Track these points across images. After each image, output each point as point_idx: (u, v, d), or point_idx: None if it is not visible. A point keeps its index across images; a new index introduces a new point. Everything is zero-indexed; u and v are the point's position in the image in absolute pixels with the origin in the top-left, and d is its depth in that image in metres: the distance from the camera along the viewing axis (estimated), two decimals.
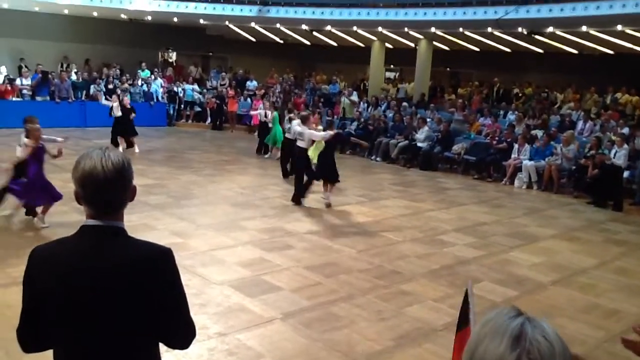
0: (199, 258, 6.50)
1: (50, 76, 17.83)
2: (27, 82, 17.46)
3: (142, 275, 1.70)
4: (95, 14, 19.83)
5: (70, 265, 1.69)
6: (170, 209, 8.65)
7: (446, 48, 21.29)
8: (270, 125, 14.20)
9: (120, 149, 12.57)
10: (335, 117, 17.60)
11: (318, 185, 9.77)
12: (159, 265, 1.74)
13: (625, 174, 11.39)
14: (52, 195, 7.53)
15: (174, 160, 13.15)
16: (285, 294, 5.58)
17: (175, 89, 20.27)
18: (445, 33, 18.58)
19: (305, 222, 8.41)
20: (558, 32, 16.45)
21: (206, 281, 5.79)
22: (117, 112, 13.65)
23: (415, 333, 4.91)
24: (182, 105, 20.38)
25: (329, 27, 19.62)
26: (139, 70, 20.30)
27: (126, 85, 19.15)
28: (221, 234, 7.54)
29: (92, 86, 18.32)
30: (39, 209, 7.59)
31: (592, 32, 15.77)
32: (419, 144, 14.37)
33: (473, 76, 22.66)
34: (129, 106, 13.88)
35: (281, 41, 23.64)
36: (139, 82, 19.62)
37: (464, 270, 6.64)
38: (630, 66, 16.91)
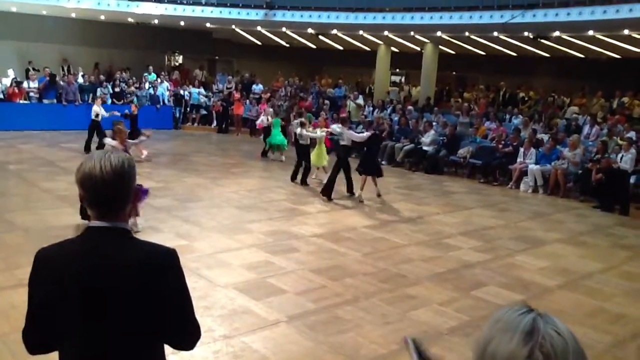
0: (204, 260, 6.51)
1: (57, 79, 17.93)
2: (34, 84, 17.56)
3: (147, 275, 1.71)
4: (102, 17, 19.94)
5: (75, 266, 1.70)
6: (175, 211, 8.67)
7: (452, 52, 21.28)
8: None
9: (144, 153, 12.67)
10: None
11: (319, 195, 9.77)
12: (164, 266, 1.75)
13: (632, 178, 11.34)
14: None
15: (180, 163, 13.19)
16: (290, 297, 5.57)
17: (181, 92, 20.34)
18: (451, 37, 18.58)
19: (310, 225, 8.40)
20: (564, 36, 16.42)
21: (211, 284, 5.79)
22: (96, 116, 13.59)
23: (420, 337, 4.88)
24: (188, 109, 20.46)
25: (334, 31, 19.66)
26: (145, 74, 20.38)
27: (132, 88, 19.24)
28: (226, 236, 7.54)
29: (98, 89, 18.40)
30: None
31: (599, 36, 15.74)
32: (425, 148, 14.35)
33: (479, 80, 22.64)
34: (135, 112, 13.84)
35: (287, 45, 23.69)
36: (146, 86, 19.70)
37: (470, 274, 6.62)
38: (637, 70, 16.89)
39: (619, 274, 7.11)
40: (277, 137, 14.33)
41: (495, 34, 16.85)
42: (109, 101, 18.24)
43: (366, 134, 10.66)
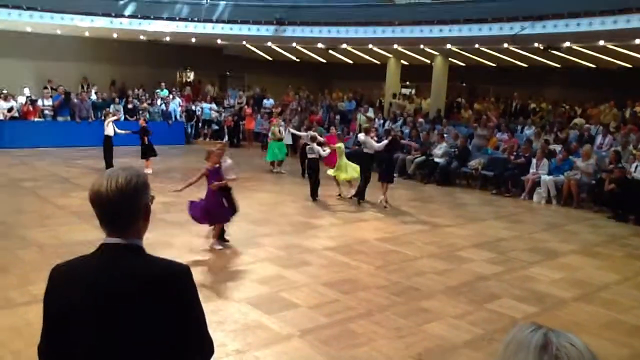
0: (216, 275, 6.53)
1: (72, 97, 18.18)
2: (48, 102, 17.82)
3: (160, 293, 1.71)
4: (115, 35, 20.22)
5: (89, 283, 1.71)
6: (188, 226, 8.69)
7: (462, 64, 21.30)
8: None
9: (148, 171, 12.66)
10: (352, 133, 17.69)
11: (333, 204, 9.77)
12: (177, 283, 1.76)
13: None
14: (211, 217, 7.56)
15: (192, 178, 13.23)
16: (303, 311, 5.56)
17: (193, 107, 20.52)
18: (461, 49, 18.61)
19: (322, 238, 8.40)
20: (575, 47, 16.37)
21: (224, 298, 5.80)
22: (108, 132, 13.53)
23: (435, 350, 4.86)
24: (200, 124, 20.62)
25: (344, 45, 19.77)
26: (157, 90, 20.60)
27: (145, 104, 19.45)
28: (239, 250, 7.56)
29: (111, 105, 18.61)
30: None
31: (610, 46, 15.68)
32: (437, 160, 14.33)
33: (490, 91, 22.61)
34: (144, 125, 13.76)
35: (297, 60, 23.85)
36: (158, 102, 19.90)
37: (484, 287, 6.57)
38: None
39: (635, 285, 7.03)
40: (275, 151, 14.75)
41: (505, 45, 16.84)
42: (122, 117, 18.45)
43: (385, 142, 11.24)
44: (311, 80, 25.54)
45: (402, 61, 21.40)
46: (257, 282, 6.39)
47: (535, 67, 20.04)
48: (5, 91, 17.15)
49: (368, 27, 17.52)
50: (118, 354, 1.71)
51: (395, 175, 14.77)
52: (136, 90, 20.37)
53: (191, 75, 25.31)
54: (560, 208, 11.98)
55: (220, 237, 7.76)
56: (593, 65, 18.61)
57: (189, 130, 20.41)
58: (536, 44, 16.31)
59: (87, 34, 19.93)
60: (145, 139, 13.44)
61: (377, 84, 23.17)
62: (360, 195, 11.28)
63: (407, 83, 24.96)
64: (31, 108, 17.38)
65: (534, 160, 12.82)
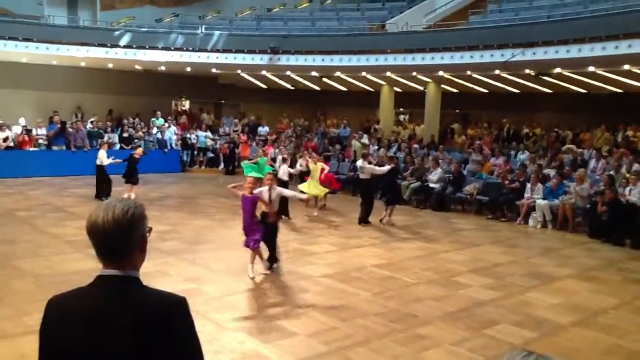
0: (212, 303, 6.47)
1: (67, 126, 18.24)
2: (42, 132, 17.87)
3: (157, 325, 1.70)
4: (110, 65, 20.39)
5: (85, 316, 1.71)
6: (183, 254, 8.67)
7: (455, 90, 21.54)
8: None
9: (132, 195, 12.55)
10: (347, 159, 17.79)
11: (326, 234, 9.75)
12: (174, 315, 1.75)
13: None
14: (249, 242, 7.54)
15: (187, 206, 13.24)
16: (300, 339, 5.51)
17: (188, 135, 20.61)
18: (453, 76, 18.83)
19: (319, 265, 8.37)
20: (565, 73, 16.61)
21: (220, 327, 5.75)
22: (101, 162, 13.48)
23: None
24: (196, 152, 20.70)
25: (338, 73, 19.98)
26: (153, 119, 20.70)
27: (140, 133, 19.51)
28: (235, 278, 7.52)
29: (106, 135, 18.66)
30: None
31: (599, 71, 15.91)
32: (432, 185, 14.38)
33: (482, 117, 22.83)
34: (137, 156, 13.60)
35: (292, 87, 24.07)
36: (154, 130, 19.98)
37: (482, 312, 6.54)
38: (639, 104, 16.97)
39: (633, 309, 7.01)
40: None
41: (497, 72, 17.08)
42: (118, 146, 18.49)
43: (387, 167, 11.84)
44: (306, 108, 25.73)
45: (395, 88, 21.63)
46: (254, 310, 6.34)
47: (527, 92, 20.29)
48: (0, 121, 17.18)
49: (361, 55, 17.75)
50: None
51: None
52: (131, 119, 20.45)
53: (186, 104, 25.46)
54: (555, 232, 12.00)
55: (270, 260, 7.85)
56: (584, 91, 18.85)
57: (185, 158, 20.46)
58: (527, 71, 16.54)
59: (82, 64, 20.10)
60: (132, 165, 13.37)
61: (371, 111, 23.37)
62: (364, 220, 11.64)
63: (401, 109, 25.19)
64: (26, 138, 17.40)
65: (528, 185, 12.88)
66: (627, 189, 11.37)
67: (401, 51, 17.12)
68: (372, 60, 17.61)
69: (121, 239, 1.76)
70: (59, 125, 17.91)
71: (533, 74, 16.76)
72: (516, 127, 19.53)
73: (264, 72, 21.04)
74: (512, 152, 16.52)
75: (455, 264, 8.82)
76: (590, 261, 9.50)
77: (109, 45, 18.60)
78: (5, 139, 16.97)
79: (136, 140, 18.88)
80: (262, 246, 7.77)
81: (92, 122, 19.21)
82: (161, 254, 8.47)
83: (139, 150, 13.92)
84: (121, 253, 1.77)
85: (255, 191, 7.75)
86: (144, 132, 19.80)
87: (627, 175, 12.07)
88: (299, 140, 19.87)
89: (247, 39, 19.33)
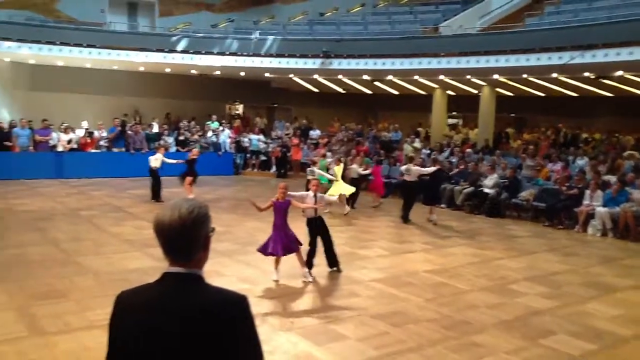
0: (265, 304, 6.57)
1: (126, 129, 18.93)
2: (103, 134, 18.60)
3: (218, 323, 1.75)
4: (168, 70, 21.01)
5: (149, 313, 1.77)
6: (237, 255, 8.84)
7: (510, 94, 21.07)
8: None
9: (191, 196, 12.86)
10: (398, 163, 17.67)
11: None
12: (237, 312, 1.80)
13: None
14: (281, 248, 7.51)
15: (240, 208, 13.45)
16: (351, 343, 5.53)
17: (241, 139, 21.00)
18: (508, 79, 18.43)
19: (370, 269, 8.36)
20: (627, 75, 15.98)
21: (273, 328, 5.83)
22: (154, 164, 13.78)
23: None
24: (249, 155, 21.05)
25: (390, 77, 19.89)
26: (208, 122, 21.20)
27: (196, 136, 20.01)
28: (287, 281, 7.60)
29: (162, 137, 19.23)
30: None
31: None
32: (486, 190, 14.10)
33: (539, 121, 22.24)
34: (194, 157, 13.94)
35: (343, 91, 24.13)
36: (209, 134, 20.46)
37: (538, 322, 6.38)
38: None
39: None
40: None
41: (554, 75, 16.60)
42: (174, 149, 19.02)
43: (432, 168, 12.59)
44: (357, 111, 25.75)
45: (449, 91, 21.34)
46: (306, 312, 6.40)
47: (586, 96, 19.63)
48: (65, 124, 17.98)
49: (413, 58, 17.60)
50: None
51: (443, 205, 14.75)
52: (186, 122, 21.01)
53: (240, 108, 25.91)
54: (616, 241, 11.56)
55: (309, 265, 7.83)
56: None
57: (238, 161, 20.85)
58: (586, 73, 16.00)
59: (141, 68, 20.79)
60: (191, 166, 13.69)
61: (423, 115, 23.15)
62: (405, 218, 12.28)
63: (454, 113, 24.84)
64: (89, 140, 18.14)
65: (587, 192, 12.46)
66: None
67: (455, 54, 16.88)
68: (425, 63, 17.43)
69: (186, 238, 1.82)
70: (119, 128, 18.59)
71: (592, 77, 16.20)
72: (574, 132, 18.93)
73: (316, 76, 21.18)
74: (570, 158, 16.01)
75: (510, 271, 8.63)
76: None
77: (166, 50, 19.18)
78: (69, 141, 17.75)
79: (192, 143, 19.35)
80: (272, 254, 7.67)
81: (153, 124, 19.84)
82: (216, 254, 8.65)
83: (194, 151, 14.25)
84: (186, 252, 1.83)
85: (296, 194, 7.78)
86: (199, 136, 20.29)
87: None
88: (349, 144, 19.89)
89: (300, 44, 19.51)
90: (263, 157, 21.09)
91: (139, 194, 14.63)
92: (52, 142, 17.69)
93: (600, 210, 11.96)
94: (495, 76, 17.73)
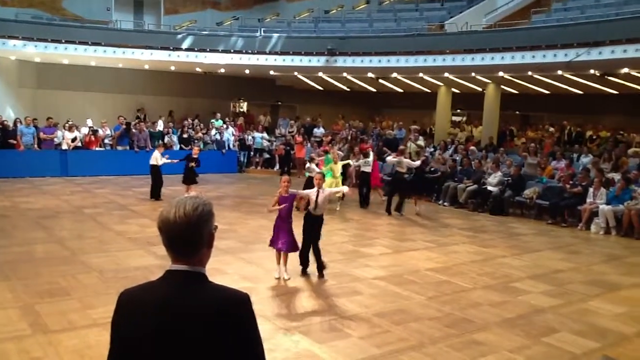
0: (267, 303, 6.59)
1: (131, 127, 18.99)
2: (108, 132, 18.65)
3: (221, 320, 1.77)
4: (172, 68, 21.04)
5: (153, 311, 1.78)
6: (240, 253, 8.85)
7: (515, 91, 21.00)
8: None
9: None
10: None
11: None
12: (239, 310, 1.81)
13: None
14: (282, 244, 7.49)
15: (244, 206, 13.50)
16: (354, 341, 5.53)
17: (245, 137, 21.02)
18: (514, 77, 18.37)
19: (373, 267, 8.36)
20: (633, 73, 15.89)
21: (275, 326, 5.85)
22: (156, 162, 13.65)
23: None
24: (252, 153, 21.08)
25: (394, 74, 19.85)
26: (212, 120, 21.23)
27: (200, 134, 20.04)
28: (290, 279, 7.60)
29: (166, 136, 19.27)
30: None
31: None
32: (490, 188, 14.07)
33: (544, 119, 22.15)
34: (195, 155, 13.60)
35: (348, 89, 24.10)
36: (212, 132, 20.49)
37: (541, 320, 6.37)
38: None
39: None
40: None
41: (560, 72, 16.53)
42: (177, 147, 19.06)
43: (419, 162, 13.68)
44: (361, 109, 25.71)
45: (453, 89, 21.28)
46: (308, 310, 6.41)
47: (591, 93, 19.52)
48: (70, 122, 18.05)
49: (418, 56, 17.54)
50: None
51: (445, 204, 14.75)
52: (190, 120, 21.04)
53: (244, 106, 25.92)
54: (620, 239, 11.52)
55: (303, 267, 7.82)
56: None
57: (242, 158, 20.88)
58: (592, 71, 15.92)
59: (146, 66, 20.83)
60: (191, 165, 13.35)
61: (427, 113, 23.09)
62: (398, 209, 12.94)
63: (459, 110, 24.77)
64: (93, 138, 18.20)
65: (591, 190, 12.41)
66: None
67: (460, 51, 16.82)
68: (430, 60, 17.37)
69: (191, 235, 1.83)
70: (124, 126, 18.64)
71: (598, 74, 16.11)
72: (579, 130, 18.84)
73: (320, 74, 21.16)
74: (575, 155, 15.95)
75: (513, 269, 8.62)
76: None
77: (171, 48, 19.20)
78: (73, 139, 17.81)
79: (195, 141, 19.40)
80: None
81: (155, 122, 19.88)
82: (218, 252, 8.67)
83: (195, 150, 14.18)
84: (190, 249, 1.84)
85: (300, 192, 7.79)
86: (203, 133, 20.32)
87: None
88: (354, 142, 19.87)
89: (304, 41, 19.49)
90: (267, 155, 21.12)
91: (144, 191, 14.67)
92: (56, 140, 17.75)
93: (604, 208, 11.92)
94: (501, 73, 17.66)
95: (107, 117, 19.34)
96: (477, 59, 16.47)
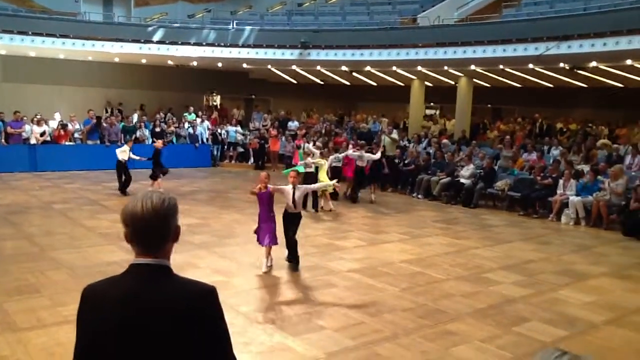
0: (242, 296, 6.56)
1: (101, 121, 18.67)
2: (77, 127, 18.29)
3: (187, 314, 1.75)
4: (143, 61, 20.72)
5: (118, 306, 1.75)
6: (213, 247, 8.79)
7: (487, 85, 21.23)
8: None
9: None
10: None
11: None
12: (204, 302, 1.79)
13: None
14: (263, 238, 7.49)
15: (218, 200, 13.40)
16: (328, 333, 5.55)
17: (219, 130, 20.84)
18: (485, 70, 18.57)
19: (347, 260, 8.39)
20: (602, 67, 16.20)
21: (250, 319, 5.82)
22: (122, 156, 13.58)
23: None
24: (226, 147, 20.92)
25: (368, 68, 19.90)
26: (185, 114, 21.00)
27: (172, 128, 19.80)
28: (264, 272, 7.58)
29: (138, 130, 18.99)
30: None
31: (638, 65, 15.48)
32: (462, 181, 14.23)
33: (515, 112, 22.45)
34: (159, 147, 13.59)
35: (322, 82, 24.08)
36: (185, 125, 20.26)
37: (512, 310, 6.47)
38: None
39: None
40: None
41: (530, 66, 16.77)
42: (150, 141, 18.79)
43: (378, 154, 14.20)
44: (336, 103, 25.72)
45: (426, 82, 21.42)
46: (283, 303, 6.40)
47: (562, 87, 19.87)
48: (38, 116, 17.65)
49: (391, 49, 17.63)
50: None
51: (419, 196, 14.87)
52: (162, 113, 20.77)
53: (217, 99, 25.70)
54: (589, 229, 11.77)
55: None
56: (621, 85, 18.36)
57: (215, 152, 20.70)
58: (562, 64, 16.19)
59: (117, 59, 20.47)
60: (157, 160, 13.33)
61: (401, 106, 23.22)
62: (354, 198, 13.92)
63: (432, 104, 24.96)
64: (62, 132, 17.83)
65: (561, 181, 12.64)
66: None
67: (433, 45, 16.94)
68: (403, 54, 17.46)
69: (160, 228, 1.81)
70: (94, 121, 18.31)
71: (568, 67, 16.39)
72: (550, 122, 19.16)
73: (294, 67, 21.08)
74: (545, 148, 16.22)
75: (485, 260, 8.74)
76: (624, 259, 9.30)
77: (142, 41, 18.91)
78: (42, 134, 17.44)
79: (168, 135, 19.17)
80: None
81: (131, 117, 19.58)
82: (192, 246, 8.61)
83: (159, 142, 14.03)
84: (158, 242, 1.83)
85: (273, 187, 7.75)
86: (175, 127, 20.09)
87: None
88: (328, 136, 19.87)
89: (277, 34, 19.39)
90: (240, 149, 20.99)
91: (115, 186, 14.41)
92: (25, 135, 17.34)
93: (574, 199, 12.15)
94: (473, 67, 17.84)
95: (77, 111, 18.95)
96: (450, 53, 16.61)
